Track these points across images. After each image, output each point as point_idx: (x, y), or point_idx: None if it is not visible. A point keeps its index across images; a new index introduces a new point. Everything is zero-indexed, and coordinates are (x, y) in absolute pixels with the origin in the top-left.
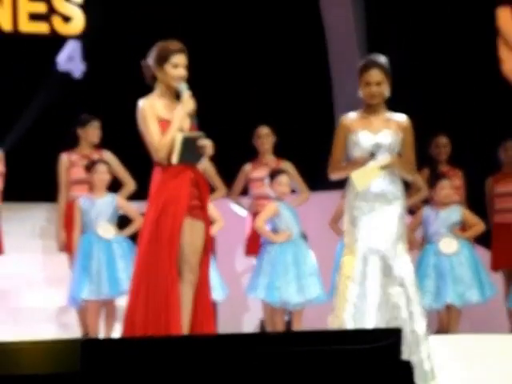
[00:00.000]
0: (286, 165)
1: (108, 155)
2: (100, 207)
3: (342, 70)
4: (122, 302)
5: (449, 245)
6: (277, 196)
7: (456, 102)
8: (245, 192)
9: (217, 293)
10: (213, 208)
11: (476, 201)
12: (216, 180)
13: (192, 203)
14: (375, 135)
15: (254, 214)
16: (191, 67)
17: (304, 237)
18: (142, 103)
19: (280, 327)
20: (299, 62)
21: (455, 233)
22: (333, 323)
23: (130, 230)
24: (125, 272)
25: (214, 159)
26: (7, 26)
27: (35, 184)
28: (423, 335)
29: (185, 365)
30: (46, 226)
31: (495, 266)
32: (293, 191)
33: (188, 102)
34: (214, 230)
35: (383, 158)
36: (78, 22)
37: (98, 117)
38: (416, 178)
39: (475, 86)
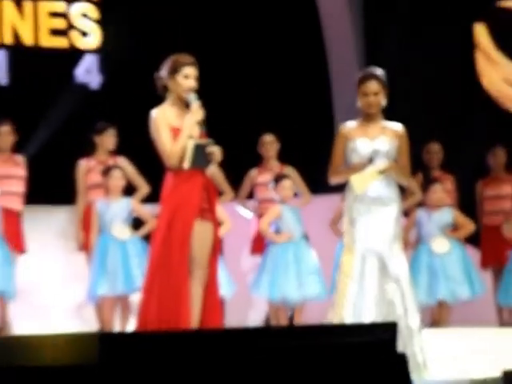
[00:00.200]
0: (289, 170)
1: (123, 161)
2: (115, 210)
3: (342, 82)
4: (136, 298)
5: (441, 245)
6: (280, 199)
7: (447, 111)
8: (251, 196)
9: (224, 289)
10: (221, 210)
11: (466, 203)
12: (224, 184)
13: (202, 206)
14: (372, 142)
15: (259, 216)
16: (202, 80)
17: (305, 237)
18: (155, 113)
19: (283, 322)
20: (302, 76)
21: (447, 233)
22: (333, 319)
23: (143, 231)
24: (138, 270)
25: (222, 165)
26: (29, 41)
27: (56, 188)
28: (417, 329)
29: (194, 356)
30: (66, 227)
31: (484, 264)
32: (295, 194)
33: (197, 112)
34: (222, 231)
35: (380, 164)
36: (95, 37)
37: (113, 125)
38: (410, 182)
39: (466, 97)
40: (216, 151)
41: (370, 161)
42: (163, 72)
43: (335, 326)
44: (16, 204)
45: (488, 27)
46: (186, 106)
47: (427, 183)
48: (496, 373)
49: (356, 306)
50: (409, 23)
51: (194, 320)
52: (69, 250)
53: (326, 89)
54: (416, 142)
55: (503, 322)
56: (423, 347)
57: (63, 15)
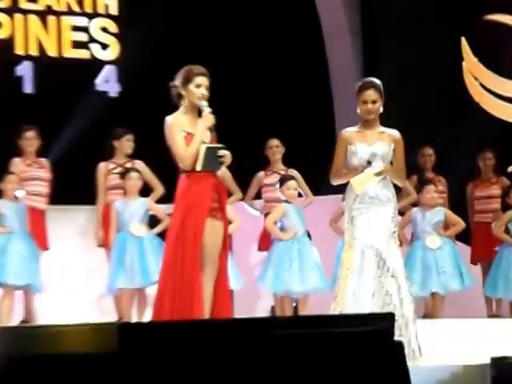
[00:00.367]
0: (293, 172)
1: (140, 164)
2: (133, 209)
3: (342, 91)
4: (152, 291)
5: (434, 241)
6: (286, 199)
7: (439, 118)
8: (258, 196)
9: (233, 283)
10: (230, 210)
11: (458, 203)
12: (233, 186)
13: (213, 206)
14: (370, 146)
15: (266, 215)
16: (213, 89)
17: (308, 235)
18: (169, 119)
19: (288, 312)
20: (306, 86)
21: (439, 231)
22: (335, 309)
23: (159, 229)
24: (154, 265)
25: (232, 167)
26: (53, 52)
27: (78, 189)
28: (411, 319)
29: (206, 344)
30: (87, 225)
31: (475, 259)
32: (299, 195)
33: (208, 118)
34: (232, 228)
35: (378, 166)
36: (114, 49)
37: (131, 130)
38: (406, 183)
39: (456, 105)
40: (226, 155)
41: (369, 163)
42: (177, 81)
43: (336, 316)
44: (41, 204)
45: (475, 40)
46: (198, 113)
47: (421, 184)
48: (485, 359)
49: (356, 297)
50: (403, 36)
51: (205, 312)
52: (89, 246)
53: (327, 97)
54: (411, 146)
55: (491, 313)
56: (418, 335)
57: (84, 29)
